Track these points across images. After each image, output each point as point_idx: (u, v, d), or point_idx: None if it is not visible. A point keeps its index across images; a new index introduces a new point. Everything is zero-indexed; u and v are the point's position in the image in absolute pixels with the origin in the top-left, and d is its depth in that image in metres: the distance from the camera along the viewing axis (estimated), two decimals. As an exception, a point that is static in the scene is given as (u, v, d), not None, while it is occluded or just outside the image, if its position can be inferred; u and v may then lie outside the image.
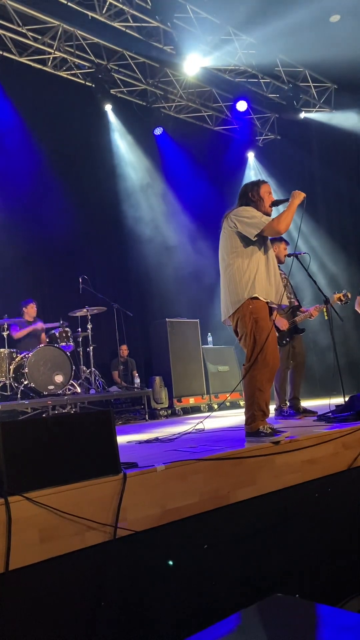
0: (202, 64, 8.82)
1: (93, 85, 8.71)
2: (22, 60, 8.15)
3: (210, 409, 8.64)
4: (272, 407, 4.27)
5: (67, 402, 6.77)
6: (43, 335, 7.38)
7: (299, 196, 3.67)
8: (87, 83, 8.84)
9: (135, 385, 7.98)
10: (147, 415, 7.56)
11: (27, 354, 6.64)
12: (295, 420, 4.96)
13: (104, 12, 7.68)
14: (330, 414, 4.47)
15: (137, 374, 8.25)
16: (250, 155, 11.32)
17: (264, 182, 3.86)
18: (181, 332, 8.72)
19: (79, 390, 7.10)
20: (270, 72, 9.56)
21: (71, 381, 6.89)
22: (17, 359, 6.67)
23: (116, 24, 7.90)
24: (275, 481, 3.11)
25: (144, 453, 3.49)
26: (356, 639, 1.34)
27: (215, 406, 8.73)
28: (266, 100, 10.27)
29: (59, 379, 6.71)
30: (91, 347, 7.46)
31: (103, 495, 2.39)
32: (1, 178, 7.74)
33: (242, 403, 7.93)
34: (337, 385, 4.95)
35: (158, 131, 10.03)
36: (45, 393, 6.55)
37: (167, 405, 8.16)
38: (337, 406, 4.57)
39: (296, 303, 5.54)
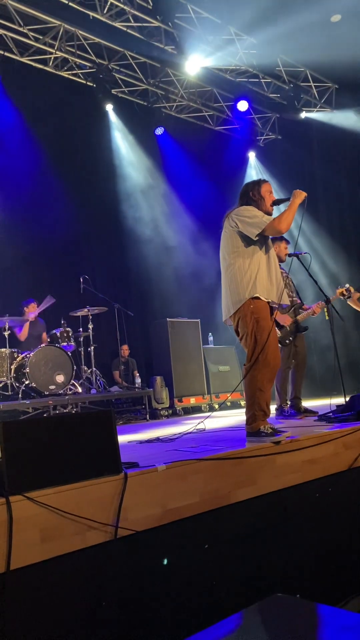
0: (203, 64, 8.83)
1: (94, 85, 8.73)
2: (24, 60, 8.16)
3: (211, 408, 8.64)
4: (273, 407, 4.27)
5: (68, 402, 6.78)
6: (44, 335, 7.40)
7: (300, 195, 3.67)
8: (88, 83, 8.84)
9: (136, 385, 7.98)
10: (148, 415, 7.56)
11: (28, 354, 6.64)
12: (296, 420, 4.96)
13: (105, 12, 7.68)
14: (330, 414, 4.48)
15: (137, 374, 8.25)
16: (251, 155, 11.32)
17: (264, 181, 3.85)
18: (182, 332, 8.72)
19: (80, 390, 7.10)
20: (271, 72, 9.57)
21: (72, 381, 6.89)
22: (18, 359, 6.68)
23: (117, 24, 7.90)
24: (276, 481, 3.11)
25: (144, 453, 3.50)
26: (357, 639, 1.34)
27: (216, 406, 8.72)
28: (267, 100, 10.28)
29: (60, 378, 6.71)
30: (92, 347, 7.47)
31: (104, 495, 2.39)
32: (2, 178, 7.73)
33: (242, 403, 7.94)
34: (338, 385, 4.97)
35: (159, 131, 10.03)
36: (46, 393, 6.56)
37: (167, 405, 8.16)
38: (338, 406, 4.58)
39: (298, 301, 5.54)
